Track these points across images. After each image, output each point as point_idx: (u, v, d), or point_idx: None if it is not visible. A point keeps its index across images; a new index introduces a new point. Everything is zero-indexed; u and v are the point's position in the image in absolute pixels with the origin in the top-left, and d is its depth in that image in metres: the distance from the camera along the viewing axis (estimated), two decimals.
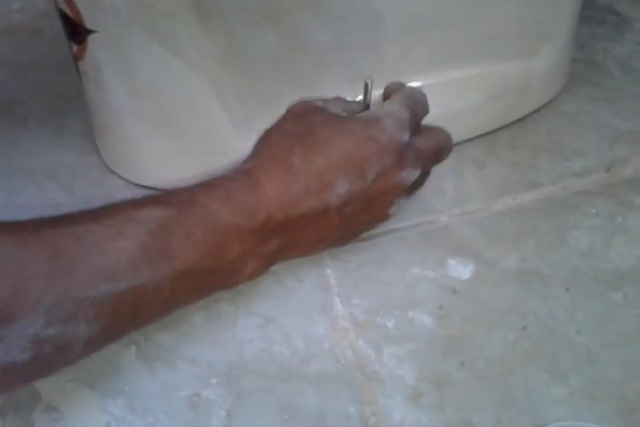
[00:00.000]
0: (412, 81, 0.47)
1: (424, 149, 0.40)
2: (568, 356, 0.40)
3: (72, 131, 0.52)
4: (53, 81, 0.56)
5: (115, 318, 0.32)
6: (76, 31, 0.39)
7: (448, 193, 0.48)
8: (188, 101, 0.42)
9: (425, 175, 0.42)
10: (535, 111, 0.52)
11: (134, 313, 0.33)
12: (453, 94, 0.48)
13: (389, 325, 0.41)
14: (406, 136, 0.39)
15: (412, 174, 0.39)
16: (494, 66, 0.48)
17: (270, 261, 0.39)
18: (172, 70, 0.40)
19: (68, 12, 0.38)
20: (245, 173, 0.37)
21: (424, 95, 0.42)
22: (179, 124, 0.43)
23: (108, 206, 0.34)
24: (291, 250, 0.39)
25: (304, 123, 0.39)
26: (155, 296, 0.33)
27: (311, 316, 0.42)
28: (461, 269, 0.44)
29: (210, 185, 0.37)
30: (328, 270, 0.44)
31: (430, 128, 0.42)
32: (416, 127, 0.41)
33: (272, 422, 0.37)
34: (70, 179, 0.49)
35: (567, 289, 0.42)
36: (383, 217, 0.41)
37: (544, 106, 0.53)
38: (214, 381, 0.39)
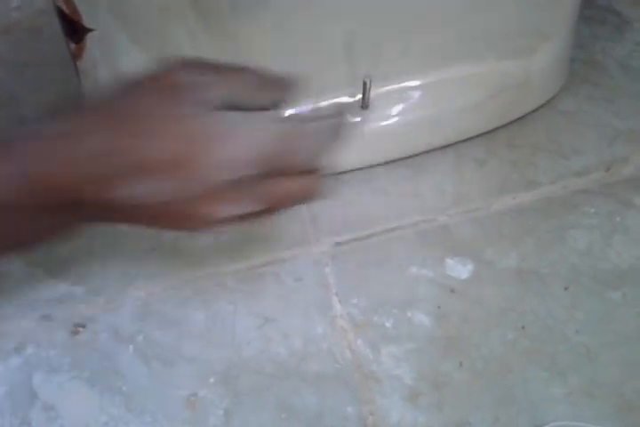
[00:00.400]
0: (410, 79, 0.47)
1: (267, 191, 0.33)
2: (567, 355, 0.40)
3: None
4: (52, 79, 0.55)
5: None
6: (75, 29, 0.39)
7: (447, 192, 0.48)
8: None
9: (270, 211, 0.35)
10: (534, 110, 0.52)
11: None
12: (452, 93, 0.47)
13: (388, 324, 0.41)
14: (241, 169, 0.31)
15: (231, 208, 0.32)
16: (493, 64, 0.48)
17: (78, 223, 0.35)
18: None
19: (66, 9, 0.38)
20: (48, 137, 0.31)
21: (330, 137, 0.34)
22: None
23: None
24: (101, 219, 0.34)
25: (157, 101, 0.31)
26: None
27: (310, 315, 0.42)
28: (460, 269, 0.44)
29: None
30: (327, 269, 0.44)
31: (302, 175, 0.34)
32: (279, 168, 0.33)
33: (270, 422, 0.37)
34: None
35: (566, 288, 0.42)
36: (192, 227, 0.35)
37: (543, 105, 0.53)
38: (212, 380, 0.39)
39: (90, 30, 0.38)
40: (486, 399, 0.38)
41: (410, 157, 0.49)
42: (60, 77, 0.54)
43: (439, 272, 0.43)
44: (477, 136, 0.51)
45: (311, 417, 0.38)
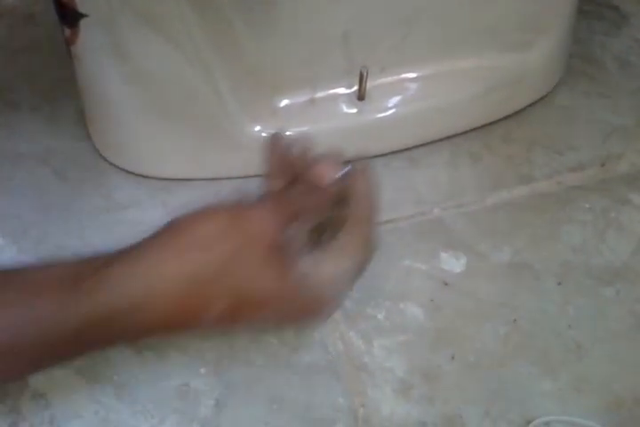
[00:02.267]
0: (407, 72, 0.46)
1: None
2: (558, 350, 0.40)
3: (64, 115, 0.52)
4: (46, 65, 0.55)
5: None
6: (68, 15, 0.38)
7: (442, 185, 0.47)
8: (181, 86, 0.41)
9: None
10: (531, 105, 0.52)
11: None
12: (449, 86, 0.47)
13: (380, 316, 0.41)
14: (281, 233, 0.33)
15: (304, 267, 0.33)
16: (490, 58, 0.48)
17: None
18: (164, 54, 0.39)
19: None
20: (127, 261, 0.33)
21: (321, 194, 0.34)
22: (171, 109, 0.43)
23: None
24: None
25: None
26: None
27: None
28: (454, 262, 0.44)
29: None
30: None
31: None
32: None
33: (261, 413, 0.37)
34: (61, 164, 0.48)
35: (559, 284, 0.42)
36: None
37: (540, 100, 0.53)
38: (203, 370, 0.39)
39: (84, 15, 0.38)
40: (477, 393, 0.38)
41: (405, 149, 0.49)
42: (54, 64, 0.54)
43: (433, 265, 0.43)
44: (473, 130, 0.51)
45: (302, 408, 0.37)
